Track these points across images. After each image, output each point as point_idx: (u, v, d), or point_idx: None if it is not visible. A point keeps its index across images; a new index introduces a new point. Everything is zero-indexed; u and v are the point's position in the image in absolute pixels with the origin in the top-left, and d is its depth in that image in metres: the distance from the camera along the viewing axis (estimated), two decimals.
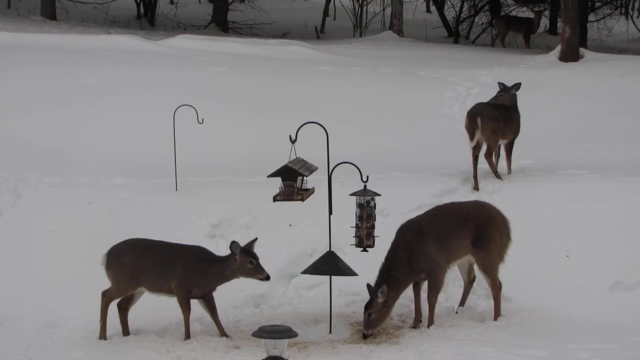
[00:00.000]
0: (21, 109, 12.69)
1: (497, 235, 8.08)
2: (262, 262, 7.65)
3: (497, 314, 8.08)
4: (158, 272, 7.81)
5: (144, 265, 7.83)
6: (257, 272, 7.63)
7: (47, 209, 9.80)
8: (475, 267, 8.17)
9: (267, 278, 7.66)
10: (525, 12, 26.83)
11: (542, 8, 25.71)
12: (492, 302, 8.19)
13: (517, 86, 10.46)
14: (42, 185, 10.36)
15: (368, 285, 7.80)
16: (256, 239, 7.84)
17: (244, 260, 7.66)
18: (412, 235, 7.93)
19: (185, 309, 7.76)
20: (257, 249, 7.54)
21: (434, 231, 7.94)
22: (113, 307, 7.93)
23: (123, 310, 7.97)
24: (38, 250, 9.24)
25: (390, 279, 7.77)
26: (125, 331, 7.94)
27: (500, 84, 10.58)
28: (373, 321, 7.70)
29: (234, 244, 7.67)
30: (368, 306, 7.71)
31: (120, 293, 7.92)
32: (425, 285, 8.02)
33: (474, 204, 8.50)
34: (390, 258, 7.85)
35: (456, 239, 7.99)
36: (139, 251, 7.90)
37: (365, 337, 7.67)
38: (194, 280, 7.75)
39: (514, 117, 10.51)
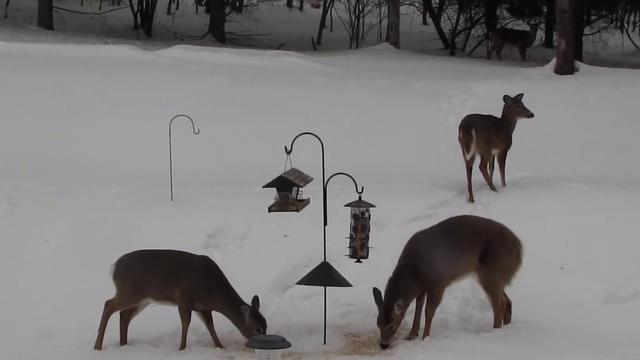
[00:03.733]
0: (17, 117, 12.69)
1: (504, 254, 7.96)
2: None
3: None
4: (165, 280, 7.75)
5: (150, 277, 7.78)
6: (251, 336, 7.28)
7: (42, 218, 9.79)
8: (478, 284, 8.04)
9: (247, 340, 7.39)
10: (521, 25, 26.94)
11: (537, 21, 25.86)
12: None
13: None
14: (37, 194, 10.35)
15: (375, 291, 7.67)
16: (257, 297, 7.70)
17: (251, 326, 7.60)
18: (424, 244, 7.90)
19: (185, 319, 7.73)
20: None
21: (446, 242, 7.89)
22: (111, 318, 7.89)
23: (125, 319, 7.92)
24: (32, 259, 9.22)
25: (402, 287, 7.74)
26: (123, 340, 7.89)
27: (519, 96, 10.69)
28: (392, 332, 7.72)
29: (243, 307, 7.57)
30: (388, 320, 7.65)
31: (123, 305, 7.87)
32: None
33: (485, 219, 8.42)
34: (400, 267, 7.82)
35: (466, 252, 7.91)
36: (147, 263, 7.84)
37: (385, 347, 7.64)
38: (199, 294, 7.72)
39: (503, 126, 10.57)
